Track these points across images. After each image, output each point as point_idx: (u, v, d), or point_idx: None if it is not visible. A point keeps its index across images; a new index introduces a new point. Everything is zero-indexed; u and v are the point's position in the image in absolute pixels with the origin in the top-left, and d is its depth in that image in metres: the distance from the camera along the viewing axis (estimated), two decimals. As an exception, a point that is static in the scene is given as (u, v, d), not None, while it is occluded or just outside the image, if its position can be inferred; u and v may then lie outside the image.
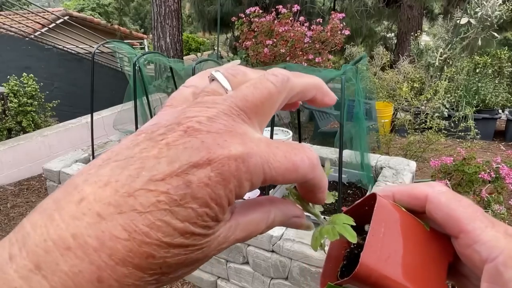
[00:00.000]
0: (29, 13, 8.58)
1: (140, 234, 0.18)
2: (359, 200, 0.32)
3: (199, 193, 0.19)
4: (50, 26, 8.43)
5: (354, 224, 0.28)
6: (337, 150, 2.32)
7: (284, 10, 5.22)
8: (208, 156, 0.20)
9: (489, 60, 5.93)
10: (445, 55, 5.57)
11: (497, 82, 5.85)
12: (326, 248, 0.33)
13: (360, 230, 0.30)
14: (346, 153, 2.81)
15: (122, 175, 0.19)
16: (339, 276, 0.31)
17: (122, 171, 0.19)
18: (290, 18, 5.23)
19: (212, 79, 0.26)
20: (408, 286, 0.27)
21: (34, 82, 4.74)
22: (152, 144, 0.20)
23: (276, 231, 2.13)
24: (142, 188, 0.18)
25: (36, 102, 4.73)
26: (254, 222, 0.24)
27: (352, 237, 0.27)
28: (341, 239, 0.28)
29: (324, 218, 0.30)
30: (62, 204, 0.18)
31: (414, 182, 3.28)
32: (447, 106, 5.33)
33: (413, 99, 4.69)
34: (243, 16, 5.50)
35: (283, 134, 4.55)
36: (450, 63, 5.64)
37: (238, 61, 0.31)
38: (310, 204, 0.30)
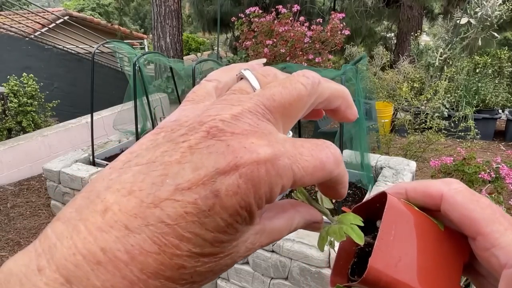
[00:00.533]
0: (29, 13, 8.58)
1: (171, 247, 0.17)
2: (369, 197, 0.31)
3: (228, 202, 0.18)
4: (50, 26, 8.44)
5: (362, 224, 0.27)
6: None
7: (284, 10, 5.22)
8: (235, 161, 0.19)
9: (489, 60, 5.93)
10: (445, 55, 5.57)
11: (497, 82, 5.86)
12: (336, 247, 0.32)
13: (372, 226, 0.30)
14: (346, 153, 2.81)
15: (145, 183, 0.18)
16: (349, 274, 0.30)
17: (145, 177, 0.18)
18: (290, 18, 5.23)
19: (241, 77, 0.25)
20: (422, 283, 0.26)
21: (34, 82, 4.74)
22: (173, 147, 0.19)
23: (276, 231, 2.13)
24: (168, 198, 0.18)
25: (36, 102, 4.73)
26: (279, 229, 0.24)
27: (360, 239, 0.26)
28: (347, 243, 0.28)
29: (333, 216, 0.30)
30: (86, 214, 0.18)
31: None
32: (447, 106, 5.33)
33: (413, 99, 4.69)
34: (243, 16, 5.50)
35: (283, 134, 4.56)
36: (450, 63, 5.64)
37: (264, 60, 0.29)
38: (320, 202, 0.30)
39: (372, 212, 0.30)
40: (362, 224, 0.27)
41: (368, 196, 2.49)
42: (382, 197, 0.29)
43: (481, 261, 0.27)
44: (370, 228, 0.29)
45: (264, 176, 0.19)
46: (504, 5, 5.09)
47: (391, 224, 0.27)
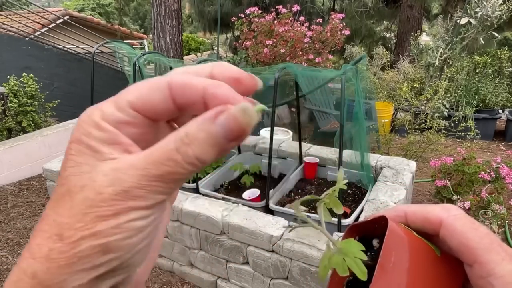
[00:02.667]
0: (29, 13, 8.58)
1: None
2: (368, 218, 0.32)
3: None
4: (50, 26, 8.44)
5: (365, 257, 0.27)
6: (337, 150, 2.32)
7: (284, 10, 5.22)
8: None
9: (489, 60, 5.93)
10: (445, 55, 5.57)
11: (497, 82, 5.86)
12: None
13: (368, 244, 0.30)
14: (346, 153, 2.81)
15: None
16: None
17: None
18: (290, 18, 5.23)
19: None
20: None
21: (34, 82, 4.73)
22: None
23: (276, 231, 2.13)
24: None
25: (36, 102, 4.73)
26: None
27: (363, 275, 0.26)
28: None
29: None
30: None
31: (415, 181, 3.28)
32: (447, 106, 5.33)
33: (413, 99, 4.69)
34: (243, 16, 5.50)
35: (283, 134, 4.55)
36: (450, 63, 5.64)
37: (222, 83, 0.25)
38: (321, 216, 0.30)
39: (369, 231, 0.31)
40: (365, 257, 0.27)
41: (368, 195, 2.49)
42: (381, 220, 0.30)
43: (476, 285, 0.27)
44: (365, 246, 0.29)
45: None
46: (504, 5, 5.09)
47: (391, 251, 0.27)
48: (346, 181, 0.34)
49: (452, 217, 0.28)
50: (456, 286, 0.29)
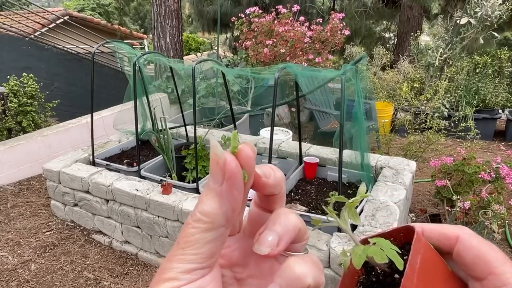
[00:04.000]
0: (29, 13, 8.58)
1: None
2: (392, 228, 0.34)
3: None
4: (50, 26, 8.44)
5: (399, 252, 0.29)
6: (337, 150, 2.32)
7: (284, 10, 5.22)
8: None
9: (489, 60, 5.93)
10: (445, 55, 5.57)
11: (497, 82, 5.86)
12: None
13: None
14: (346, 153, 2.81)
15: None
16: None
17: None
18: (290, 18, 5.23)
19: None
20: None
21: (34, 82, 4.73)
22: None
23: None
24: None
25: (36, 102, 4.72)
26: None
27: (400, 264, 0.28)
28: (353, 268, 0.30)
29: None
30: None
31: (415, 181, 3.27)
32: (447, 106, 5.33)
33: (413, 99, 4.69)
34: (243, 16, 5.50)
35: (283, 134, 4.56)
36: (450, 63, 5.64)
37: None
38: (344, 219, 0.32)
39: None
40: (400, 252, 0.29)
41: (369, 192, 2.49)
42: (404, 231, 0.32)
43: None
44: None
45: None
46: (504, 5, 5.09)
47: (417, 255, 0.29)
48: (367, 194, 0.35)
49: (468, 234, 0.31)
50: None
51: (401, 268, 0.28)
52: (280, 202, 0.33)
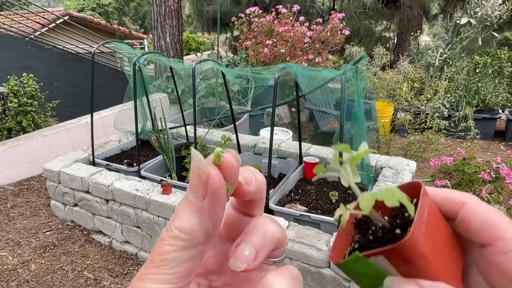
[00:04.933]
0: (29, 13, 8.58)
1: None
2: (399, 185, 0.33)
3: None
4: (50, 26, 8.44)
5: (409, 198, 0.28)
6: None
7: (284, 10, 5.22)
8: None
9: (489, 60, 5.93)
10: (445, 55, 5.57)
11: (497, 82, 5.86)
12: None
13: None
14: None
15: None
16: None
17: None
18: (290, 18, 5.23)
19: None
20: (440, 268, 0.28)
21: (34, 82, 4.73)
22: None
23: (276, 231, 2.13)
24: None
25: (36, 102, 4.72)
26: None
27: (411, 209, 0.27)
28: (348, 228, 0.31)
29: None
30: None
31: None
32: (447, 106, 5.33)
33: (413, 99, 4.69)
34: (243, 16, 5.50)
35: (283, 134, 4.56)
36: (450, 63, 5.64)
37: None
38: (346, 174, 0.31)
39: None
40: (410, 199, 0.29)
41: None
42: (412, 186, 0.32)
43: (492, 265, 0.29)
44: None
45: None
46: (504, 5, 5.09)
47: (425, 206, 0.29)
48: (370, 150, 0.34)
49: (475, 200, 0.31)
50: (461, 263, 0.31)
51: (412, 214, 0.27)
52: (260, 206, 0.31)
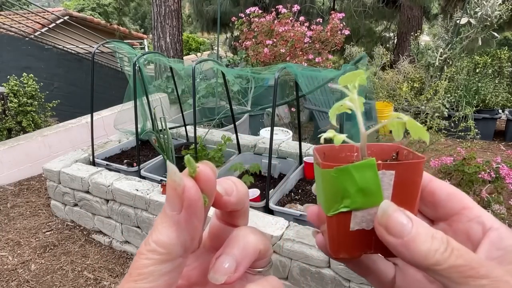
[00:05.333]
0: (29, 13, 8.58)
1: None
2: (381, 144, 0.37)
3: None
4: (50, 26, 8.44)
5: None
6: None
7: (284, 10, 5.22)
8: None
9: (489, 60, 5.93)
10: (445, 55, 5.57)
11: (497, 82, 5.85)
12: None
13: None
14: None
15: None
16: None
17: None
18: (290, 18, 5.23)
19: None
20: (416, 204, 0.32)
21: (34, 82, 4.73)
22: None
23: (276, 231, 2.13)
24: None
25: (36, 102, 4.72)
26: None
27: (426, 136, 0.31)
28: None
29: None
30: None
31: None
32: (447, 106, 5.33)
33: (413, 99, 4.69)
34: (243, 16, 5.50)
35: (283, 134, 4.55)
36: (450, 63, 5.64)
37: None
38: None
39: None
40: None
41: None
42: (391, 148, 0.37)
43: (456, 233, 0.32)
44: None
45: None
46: (504, 4, 5.09)
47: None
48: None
49: (437, 179, 0.34)
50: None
51: (427, 141, 0.32)
52: (243, 216, 0.31)
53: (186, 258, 0.26)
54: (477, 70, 5.88)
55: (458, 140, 5.12)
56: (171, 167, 0.24)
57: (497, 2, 5.04)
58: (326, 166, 0.30)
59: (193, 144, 2.90)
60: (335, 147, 0.34)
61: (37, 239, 3.01)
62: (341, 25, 5.16)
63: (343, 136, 0.33)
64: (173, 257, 0.24)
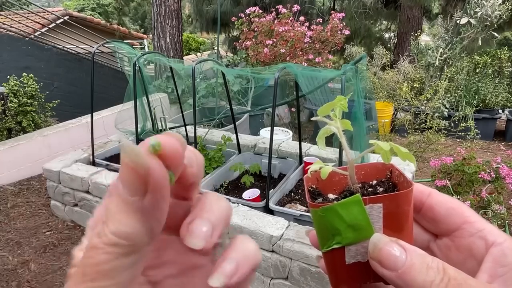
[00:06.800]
0: (29, 13, 8.58)
1: None
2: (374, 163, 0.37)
3: None
4: (50, 26, 8.44)
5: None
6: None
7: (284, 10, 5.22)
8: None
9: (489, 60, 5.93)
10: (445, 55, 5.57)
11: (497, 82, 5.85)
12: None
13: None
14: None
15: None
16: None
17: None
18: (290, 18, 5.23)
19: None
20: (411, 234, 0.32)
21: (34, 82, 4.73)
22: None
23: (276, 231, 2.13)
24: None
25: (36, 102, 4.72)
26: None
27: (413, 160, 0.33)
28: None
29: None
30: None
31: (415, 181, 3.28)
32: (447, 106, 5.33)
33: (413, 99, 4.69)
34: (243, 16, 5.50)
35: (283, 134, 4.56)
36: (450, 63, 5.64)
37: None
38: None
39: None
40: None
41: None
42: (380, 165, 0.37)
43: (459, 249, 0.31)
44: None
45: None
46: (504, 4, 5.09)
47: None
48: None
49: (437, 191, 0.33)
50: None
51: (414, 163, 0.33)
52: (197, 187, 0.28)
53: (152, 244, 0.22)
54: (477, 70, 5.88)
55: (458, 140, 5.12)
56: (128, 144, 0.20)
57: (497, 2, 5.04)
58: (313, 206, 0.30)
59: (193, 144, 2.90)
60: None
61: (37, 239, 3.01)
62: (341, 25, 5.16)
63: (330, 168, 0.33)
64: (139, 248, 0.21)
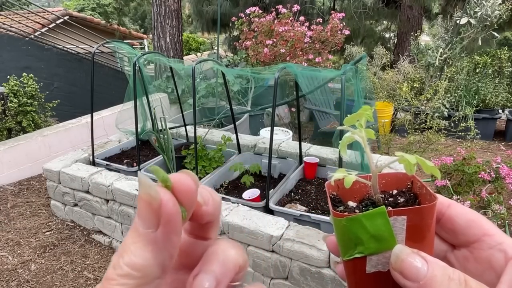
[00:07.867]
0: (29, 13, 8.58)
1: None
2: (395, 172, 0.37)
3: None
4: (50, 26, 8.44)
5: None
6: (337, 150, 2.32)
7: (284, 10, 5.22)
8: None
9: (489, 60, 5.93)
10: (445, 55, 5.57)
11: (497, 82, 5.85)
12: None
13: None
14: (346, 153, 2.81)
15: None
16: None
17: None
18: (290, 18, 5.23)
19: None
20: (432, 246, 0.32)
21: (34, 82, 4.73)
22: None
23: (276, 231, 2.13)
24: None
25: (36, 102, 4.72)
26: None
27: (438, 174, 0.33)
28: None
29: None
30: None
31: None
32: (447, 106, 5.33)
33: (413, 99, 4.69)
34: (243, 16, 5.50)
35: (283, 134, 4.56)
36: (450, 63, 5.64)
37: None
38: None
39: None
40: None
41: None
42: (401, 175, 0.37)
43: (478, 260, 0.31)
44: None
45: None
46: (504, 5, 5.09)
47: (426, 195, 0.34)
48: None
49: (457, 203, 0.34)
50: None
51: (439, 176, 0.32)
52: (215, 228, 0.29)
53: (164, 278, 0.23)
54: (477, 70, 5.88)
55: (458, 140, 5.12)
56: (144, 178, 0.22)
57: (497, 2, 5.04)
58: (337, 215, 0.31)
59: (193, 144, 2.90)
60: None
61: (37, 239, 3.01)
62: (341, 25, 5.16)
63: (353, 177, 0.33)
64: (150, 280, 0.22)
